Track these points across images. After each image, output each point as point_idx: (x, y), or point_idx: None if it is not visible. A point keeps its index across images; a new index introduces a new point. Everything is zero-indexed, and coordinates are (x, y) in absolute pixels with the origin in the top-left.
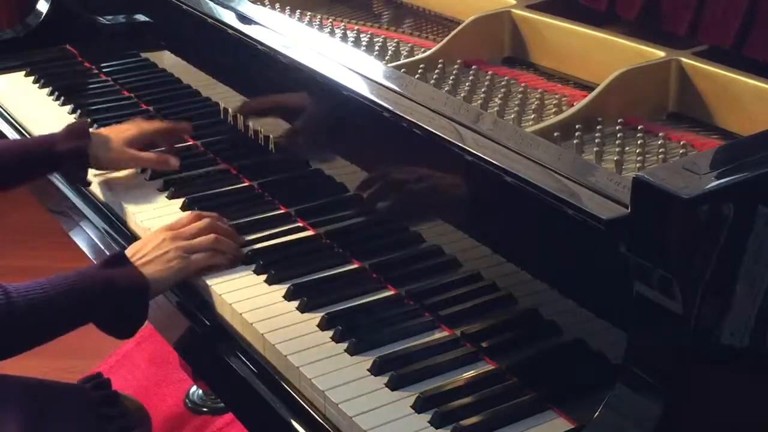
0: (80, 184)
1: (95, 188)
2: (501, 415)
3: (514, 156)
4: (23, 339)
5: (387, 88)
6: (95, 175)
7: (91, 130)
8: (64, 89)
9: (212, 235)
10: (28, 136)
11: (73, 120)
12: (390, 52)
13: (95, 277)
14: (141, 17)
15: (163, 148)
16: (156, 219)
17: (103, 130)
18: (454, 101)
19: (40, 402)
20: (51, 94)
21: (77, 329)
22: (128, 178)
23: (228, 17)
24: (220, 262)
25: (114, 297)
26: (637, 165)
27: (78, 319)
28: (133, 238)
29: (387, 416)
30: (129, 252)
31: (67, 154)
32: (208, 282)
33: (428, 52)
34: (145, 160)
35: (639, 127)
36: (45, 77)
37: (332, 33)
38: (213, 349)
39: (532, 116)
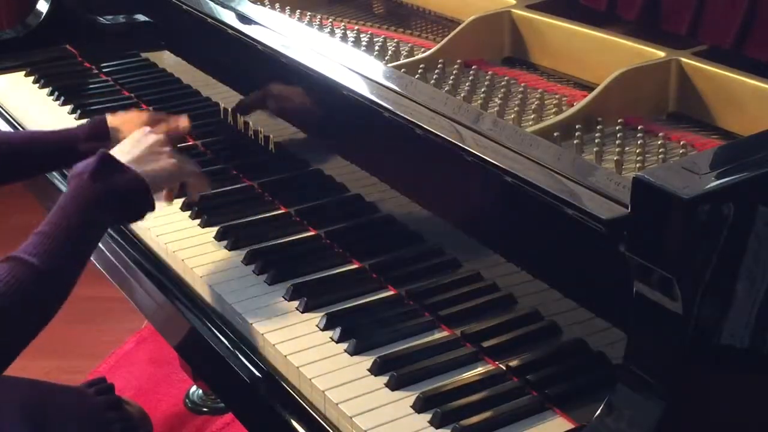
0: None
1: None
2: (501, 415)
3: (514, 156)
4: (60, 287)
5: (387, 88)
6: None
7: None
8: (64, 89)
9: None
10: None
11: (74, 119)
12: (390, 52)
13: (97, 194)
14: (141, 17)
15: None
16: (156, 218)
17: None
18: (454, 101)
19: (43, 405)
20: (51, 94)
21: (74, 326)
22: None
23: (228, 17)
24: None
25: (120, 204)
26: (637, 165)
27: (97, 236)
28: (133, 237)
29: (387, 416)
30: (116, 154)
31: (90, 155)
32: (207, 281)
33: (428, 52)
34: None
35: (639, 127)
36: (45, 77)
37: (332, 33)
38: (213, 349)
39: (532, 116)
